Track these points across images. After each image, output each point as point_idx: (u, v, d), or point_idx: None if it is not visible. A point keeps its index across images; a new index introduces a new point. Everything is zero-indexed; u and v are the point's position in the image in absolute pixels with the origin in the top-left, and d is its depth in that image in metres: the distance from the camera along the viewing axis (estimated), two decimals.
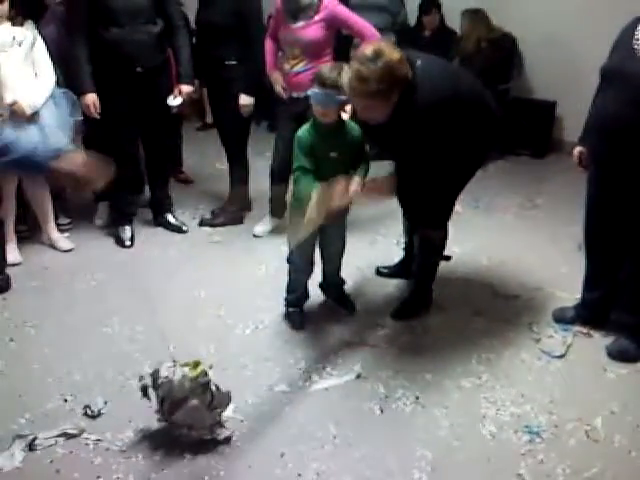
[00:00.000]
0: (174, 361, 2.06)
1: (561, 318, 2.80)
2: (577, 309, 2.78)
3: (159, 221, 3.73)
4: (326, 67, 2.46)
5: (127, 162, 3.47)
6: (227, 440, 2.07)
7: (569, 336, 2.69)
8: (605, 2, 4.47)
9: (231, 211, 3.80)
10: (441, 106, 2.26)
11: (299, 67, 3.23)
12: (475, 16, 4.94)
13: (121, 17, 3.12)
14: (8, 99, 2.98)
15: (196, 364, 2.03)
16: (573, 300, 2.83)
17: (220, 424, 2.09)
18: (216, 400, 2.04)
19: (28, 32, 3.08)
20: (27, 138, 2.86)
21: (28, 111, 3.02)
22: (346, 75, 2.24)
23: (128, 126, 3.39)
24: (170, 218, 3.72)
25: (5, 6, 2.98)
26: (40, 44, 3.13)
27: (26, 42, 3.06)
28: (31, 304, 2.91)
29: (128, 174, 3.51)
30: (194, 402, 1.99)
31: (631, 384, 2.43)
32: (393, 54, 2.20)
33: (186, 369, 2.03)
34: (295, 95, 3.28)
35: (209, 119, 5.28)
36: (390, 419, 2.22)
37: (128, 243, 3.50)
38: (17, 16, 3.04)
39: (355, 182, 2.40)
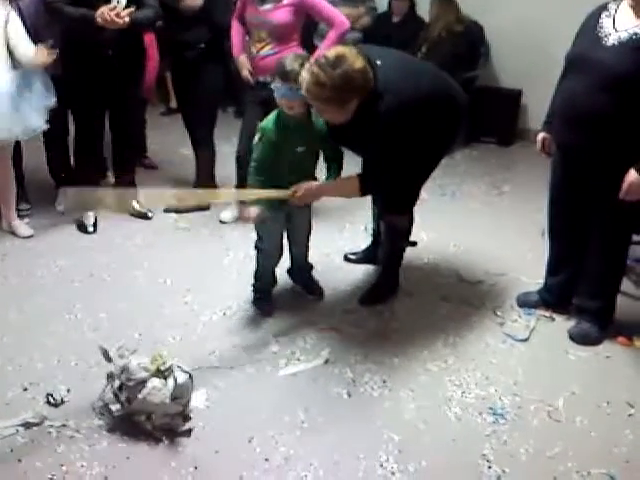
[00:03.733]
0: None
1: (525, 302, 2.84)
2: (540, 294, 2.83)
3: None
4: (287, 59, 2.33)
5: (91, 146, 3.41)
6: (187, 433, 2.04)
7: (532, 320, 2.74)
8: None
9: None
10: (404, 111, 2.23)
11: (265, 51, 3.18)
12: (445, 3, 4.94)
13: (96, 3, 3.03)
14: None
15: (155, 358, 2.02)
16: (536, 285, 2.88)
17: (184, 415, 2.06)
18: (177, 388, 2.00)
19: (1, 9, 2.93)
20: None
21: None
22: (304, 74, 2.18)
23: (96, 109, 3.33)
24: (134, 204, 3.64)
25: None
26: (15, 21, 2.98)
27: None
28: None
29: (91, 158, 3.45)
30: (151, 387, 1.97)
31: (592, 366, 2.48)
32: (355, 62, 2.15)
33: (144, 359, 2.02)
34: (262, 79, 3.23)
35: (173, 104, 5.20)
36: (358, 403, 2.23)
37: (91, 229, 3.42)
38: None
39: (321, 188, 2.43)
